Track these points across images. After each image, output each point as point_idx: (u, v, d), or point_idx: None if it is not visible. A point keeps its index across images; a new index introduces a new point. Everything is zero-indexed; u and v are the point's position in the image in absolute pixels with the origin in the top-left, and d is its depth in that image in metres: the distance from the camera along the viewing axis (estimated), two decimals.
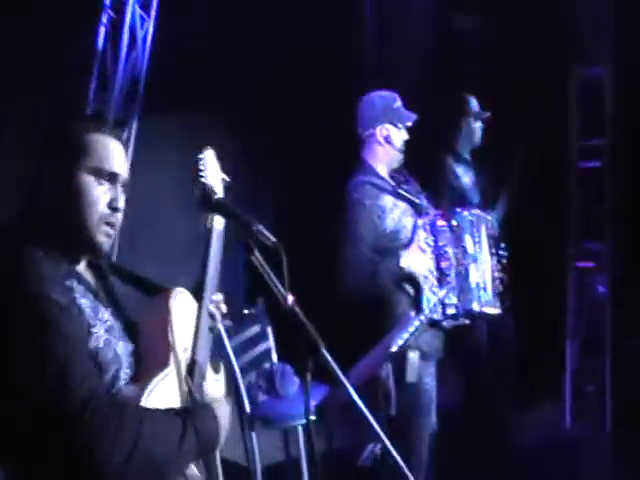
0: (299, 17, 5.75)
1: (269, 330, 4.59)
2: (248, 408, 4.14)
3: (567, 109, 5.73)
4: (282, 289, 1.99)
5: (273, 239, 1.98)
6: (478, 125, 5.06)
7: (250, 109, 5.71)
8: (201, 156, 2.24)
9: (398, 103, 3.85)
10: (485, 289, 3.77)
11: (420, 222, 3.71)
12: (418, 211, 3.81)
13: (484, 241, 3.84)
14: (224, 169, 2.36)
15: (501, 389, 5.02)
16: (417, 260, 3.63)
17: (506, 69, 5.89)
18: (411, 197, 3.80)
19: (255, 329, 4.54)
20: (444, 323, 3.70)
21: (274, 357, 4.61)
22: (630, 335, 5.56)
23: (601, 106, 5.67)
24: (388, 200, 3.71)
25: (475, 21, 6.29)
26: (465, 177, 5.03)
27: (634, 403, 5.27)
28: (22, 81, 4.84)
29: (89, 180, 1.93)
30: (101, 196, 1.95)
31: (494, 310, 3.83)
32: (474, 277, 3.71)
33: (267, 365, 4.55)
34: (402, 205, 3.75)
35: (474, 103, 5.09)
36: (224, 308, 2.25)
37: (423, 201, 3.87)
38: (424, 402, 3.73)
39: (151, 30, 5.38)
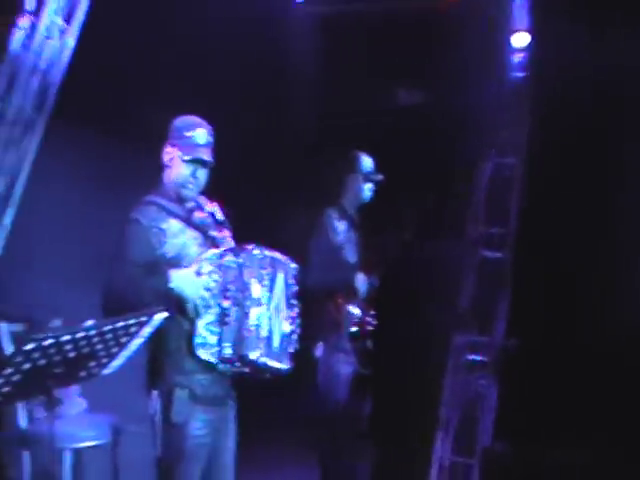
0: None
1: None
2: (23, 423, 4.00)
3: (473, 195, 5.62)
4: None
5: None
6: (368, 186, 5.03)
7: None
8: None
9: (193, 133, 3.49)
10: (269, 339, 3.41)
11: (208, 254, 3.40)
12: (212, 244, 3.49)
13: (278, 288, 3.50)
14: None
15: None
16: (190, 283, 3.30)
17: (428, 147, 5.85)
18: (203, 227, 3.51)
19: None
20: (220, 366, 3.37)
21: None
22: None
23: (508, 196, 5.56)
24: (173, 224, 3.44)
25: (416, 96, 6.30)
26: (344, 234, 5.02)
27: None
28: None
29: None
30: None
31: (279, 364, 3.47)
32: (254, 322, 3.35)
33: None
34: (191, 233, 3.48)
35: (367, 163, 5.06)
36: None
37: (219, 234, 3.54)
38: (189, 448, 3.35)
39: (71, 40, 5.38)
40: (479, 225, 5.62)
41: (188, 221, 3.47)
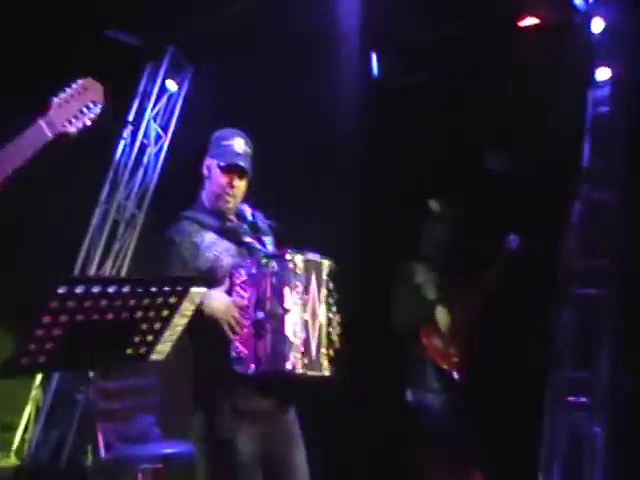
0: None
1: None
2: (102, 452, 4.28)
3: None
4: None
5: None
6: (440, 227, 5.12)
7: None
8: None
9: (231, 142, 3.43)
10: (306, 347, 3.20)
11: (240, 266, 3.27)
12: (247, 252, 3.38)
13: (313, 291, 3.29)
14: None
15: None
16: (221, 304, 3.20)
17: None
18: (238, 235, 3.40)
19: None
20: (258, 381, 3.19)
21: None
22: None
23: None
24: (207, 237, 3.36)
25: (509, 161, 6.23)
26: (422, 274, 5.07)
27: None
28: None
29: None
30: None
31: (319, 373, 3.24)
32: (290, 332, 3.16)
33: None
34: (224, 244, 3.37)
35: (436, 206, 5.13)
36: None
37: (256, 241, 3.43)
38: (238, 463, 3.18)
39: (165, 147, 6.09)
40: (574, 260, 5.26)
41: (221, 232, 3.40)
